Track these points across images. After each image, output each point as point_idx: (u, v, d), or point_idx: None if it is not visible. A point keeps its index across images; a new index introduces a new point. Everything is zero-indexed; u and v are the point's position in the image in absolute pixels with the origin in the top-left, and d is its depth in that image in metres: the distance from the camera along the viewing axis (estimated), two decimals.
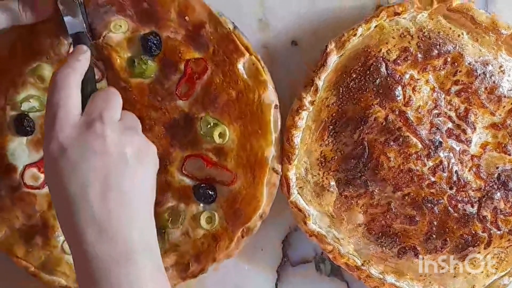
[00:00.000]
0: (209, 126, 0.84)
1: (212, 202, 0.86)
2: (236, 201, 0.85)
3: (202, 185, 0.86)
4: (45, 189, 0.86)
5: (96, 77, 0.85)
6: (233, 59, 0.84)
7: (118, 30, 0.84)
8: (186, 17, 0.84)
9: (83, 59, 0.74)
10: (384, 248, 0.85)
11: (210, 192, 0.85)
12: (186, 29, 0.84)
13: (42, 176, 0.86)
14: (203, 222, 0.86)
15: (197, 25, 0.84)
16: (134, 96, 0.85)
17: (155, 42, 0.84)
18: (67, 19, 0.80)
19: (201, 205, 0.86)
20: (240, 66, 0.84)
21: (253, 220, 0.85)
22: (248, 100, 0.84)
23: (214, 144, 0.85)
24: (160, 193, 0.86)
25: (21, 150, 0.86)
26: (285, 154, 0.85)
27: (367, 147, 0.83)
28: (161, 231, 0.86)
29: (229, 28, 0.84)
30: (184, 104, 0.85)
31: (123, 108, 0.73)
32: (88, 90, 0.73)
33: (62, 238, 0.86)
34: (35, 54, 0.85)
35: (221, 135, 0.84)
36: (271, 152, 0.84)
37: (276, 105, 0.84)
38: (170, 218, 0.86)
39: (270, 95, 0.84)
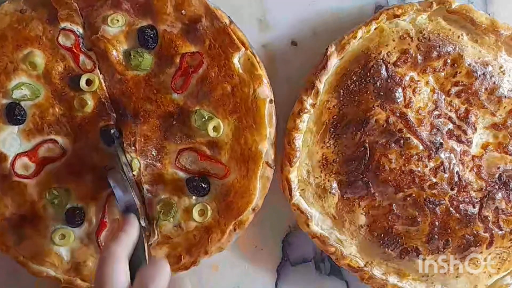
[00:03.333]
0: (203, 119, 0.84)
1: (205, 195, 0.86)
2: (229, 194, 0.85)
3: (195, 178, 0.85)
4: (36, 179, 0.85)
5: (88, 67, 0.85)
6: (228, 53, 0.84)
7: (115, 24, 0.84)
8: (183, 11, 0.83)
9: (131, 231, 0.75)
10: (386, 249, 0.85)
11: (203, 185, 0.85)
12: (183, 23, 0.84)
13: (32, 165, 0.85)
14: (195, 214, 0.85)
15: (193, 19, 0.84)
16: (129, 88, 0.85)
17: (151, 35, 0.83)
18: (116, 192, 0.81)
19: (194, 198, 0.86)
20: (235, 60, 0.84)
21: (246, 213, 0.85)
22: (243, 94, 0.84)
23: (208, 138, 0.85)
24: (153, 185, 0.86)
25: (12, 139, 0.85)
26: (286, 156, 0.85)
27: (368, 149, 0.84)
28: (153, 222, 0.86)
29: (225, 22, 0.84)
30: (179, 97, 0.85)
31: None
32: (137, 260, 0.73)
33: (51, 228, 0.86)
34: (27, 40, 0.84)
35: (216, 129, 0.84)
36: (265, 146, 0.84)
37: (271, 100, 0.84)
38: (162, 210, 0.86)
39: (265, 90, 0.84)
